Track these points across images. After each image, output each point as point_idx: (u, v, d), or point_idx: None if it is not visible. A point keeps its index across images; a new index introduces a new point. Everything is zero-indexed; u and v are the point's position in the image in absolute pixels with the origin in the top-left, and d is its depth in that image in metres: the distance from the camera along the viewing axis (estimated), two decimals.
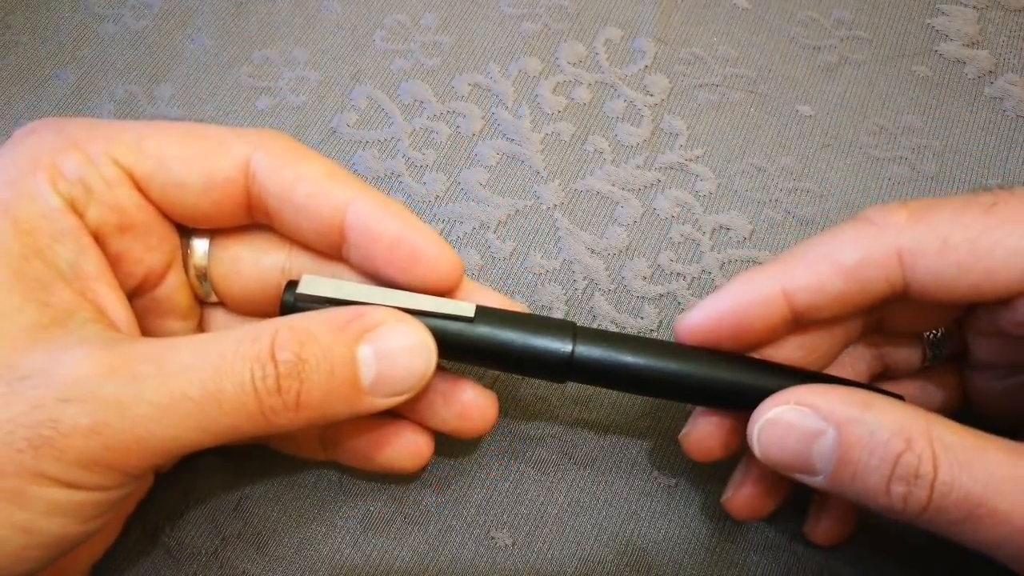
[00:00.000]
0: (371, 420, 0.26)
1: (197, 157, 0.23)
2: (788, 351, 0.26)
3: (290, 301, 0.24)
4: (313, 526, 0.29)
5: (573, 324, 0.25)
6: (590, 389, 0.31)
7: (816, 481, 0.22)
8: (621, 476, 0.30)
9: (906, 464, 0.20)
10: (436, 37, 0.37)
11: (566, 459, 0.30)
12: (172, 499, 0.29)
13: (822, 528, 0.28)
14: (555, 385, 0.31)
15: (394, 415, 0.27)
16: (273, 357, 0.21)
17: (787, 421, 0.22)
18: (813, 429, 0.22)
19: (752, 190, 0.34)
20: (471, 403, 0.26)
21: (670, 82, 0.36)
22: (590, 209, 0.34)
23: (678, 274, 0.32)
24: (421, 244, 0.24)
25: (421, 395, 0.24)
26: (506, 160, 0.34)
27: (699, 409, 0.27)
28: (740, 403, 0.25)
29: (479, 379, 0.31)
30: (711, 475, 0.29)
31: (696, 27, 0.37)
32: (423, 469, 0.27)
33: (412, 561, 0.28)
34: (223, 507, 0.29)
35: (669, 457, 0.30)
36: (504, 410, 0.30)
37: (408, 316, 0.23)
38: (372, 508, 0.29)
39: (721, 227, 0.33)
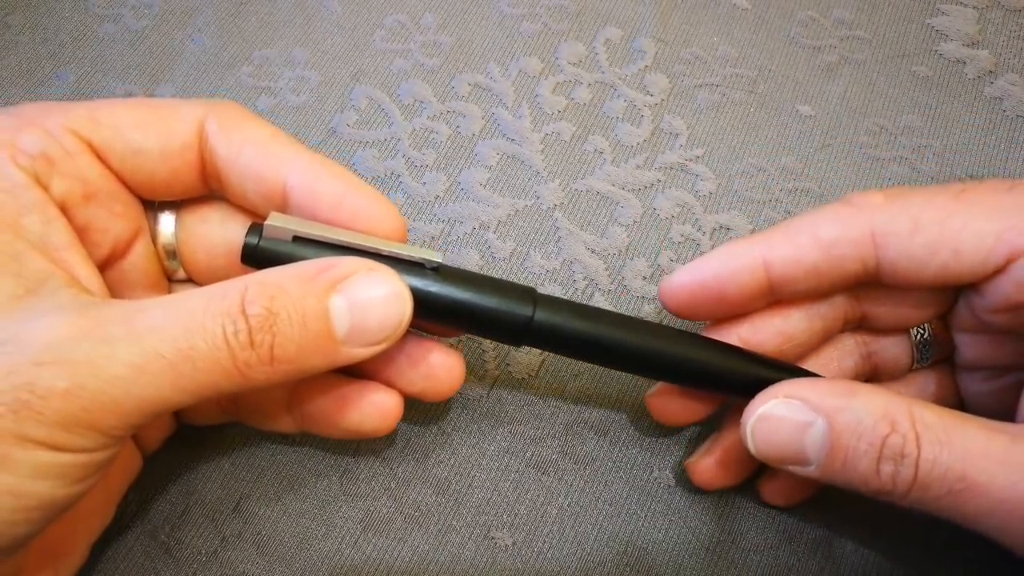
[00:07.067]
0: (337, 381, 0.26)
1: (152, 124, 0.24)
2: (766, 336, 0.26)
3: (252, 243, 0.24)
4: (313, 526, 0.29)
5: (533, 290, 0.25)
6: (591, 389, 0.31)
7: (809, 471, 0.23)
8: (621, 476, 0.30)
9: (892, 445, 0.21)
10: (436, 37, 0.37)
11: (566, 459, 0.30)
12: (172, 499, 0.29)
13: (777, 486, 0.28)
14: (556, 386, 0.31)
15: (360, 376, 0.27)
16: (243, 311, 0.21)
17: (779, 415, 0.23)
18: (804, 421, 0.22)
19: (752, 190, 0.34)
20: (438, 363, 0.26)
21: (670, 82, 0.36)
22: (590, 209, 0.34)
23: None
24: (362, 203, 0.24)
25: (386, 356, 0.24)
26: (506, 160, 0.34)
27: None
28: (690, 379, 0.26)
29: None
30: None
31: (696, 27, 0.37)
32: (392, 431, 0.26)
33: (412, 561, 0.28)
34: (223, 507, 0.29)
35: (669, 457, 0.30)
36: (504, 409, 0.30)
37: (380, 265, 0.23)
38: (372, 508, 0.29)
39: (721, 227, 0.33)
